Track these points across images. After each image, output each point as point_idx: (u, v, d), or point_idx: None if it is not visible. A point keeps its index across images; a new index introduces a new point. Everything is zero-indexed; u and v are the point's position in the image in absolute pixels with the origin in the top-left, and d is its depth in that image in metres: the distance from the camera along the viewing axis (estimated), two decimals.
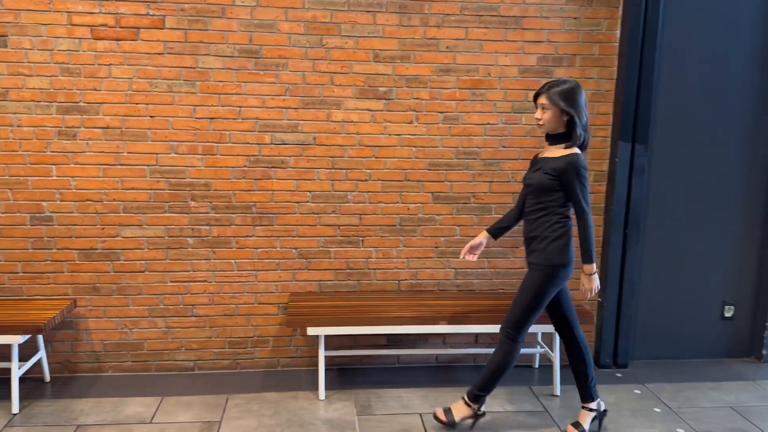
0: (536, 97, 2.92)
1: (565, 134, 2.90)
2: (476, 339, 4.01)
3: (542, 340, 3.94)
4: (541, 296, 2.96)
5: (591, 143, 3.83)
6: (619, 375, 3.94)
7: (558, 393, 3.61)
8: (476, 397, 3.12)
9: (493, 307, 3.63)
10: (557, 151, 2.91)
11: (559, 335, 3.22)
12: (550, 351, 3.74)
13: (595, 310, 4.03)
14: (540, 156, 3.02)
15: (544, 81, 3.74)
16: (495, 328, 3.51)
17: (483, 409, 3.15)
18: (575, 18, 3.73)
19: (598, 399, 3.19)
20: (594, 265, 2.95)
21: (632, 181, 3.84)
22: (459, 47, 3.69)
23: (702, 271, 4.10)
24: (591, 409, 3.16)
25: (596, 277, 2.98)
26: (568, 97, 2.83)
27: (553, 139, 2.95)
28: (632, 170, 3.83)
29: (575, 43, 3.76)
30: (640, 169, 3.84)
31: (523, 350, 3.86)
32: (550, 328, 3.51)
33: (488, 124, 3.79)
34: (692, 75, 3.88)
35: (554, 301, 3.09)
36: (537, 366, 4.03)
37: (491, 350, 3.84)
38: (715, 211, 4.04)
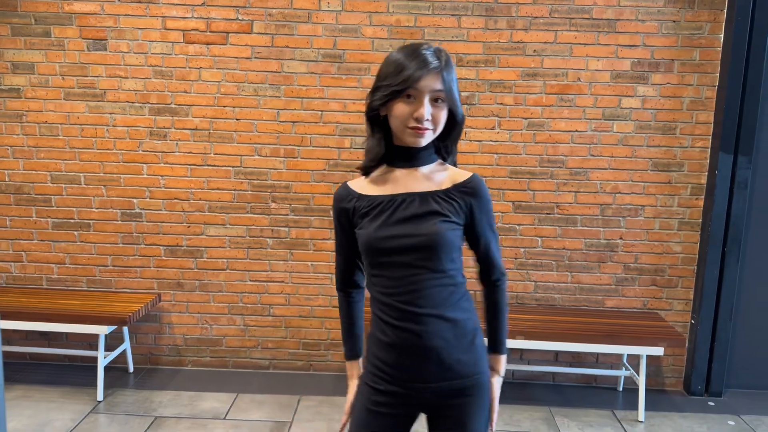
0: (420, 78, 1.49)
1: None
2: (556, 357, 3.84)
3: (627, 361, 3.72)
4: None
5: (686, 154, 3.63)
6: (711, 404, 3.66)
7: (642, 419, 3.39)
8: None
9: (575, 324, 3.46)
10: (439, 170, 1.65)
11: None
12: (635, 374, 3.52)
13: (687, 333, 3.77)
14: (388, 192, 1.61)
15: (639, 87, 3.57)
16: (577, 347, 3.36)
17: None
18: (674, 21, 3.51)
19: None
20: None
21: (733, 196, 3.57)
22: (547, 51, 3.55)
23: None
24: None
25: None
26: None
27: (424, 152, 1.62)
28: (733, 184, 3.57)
29: (674, 48, 3.54)
30: (743, 182, 3.56)
31: (606, 372, 3.71)
32: (636, 349, 3.33)
33: (576, 131, 3.63)
34: None
35: None
36: (621, 389, 3.81)
37: (572, 369, 3.72)
38: None
